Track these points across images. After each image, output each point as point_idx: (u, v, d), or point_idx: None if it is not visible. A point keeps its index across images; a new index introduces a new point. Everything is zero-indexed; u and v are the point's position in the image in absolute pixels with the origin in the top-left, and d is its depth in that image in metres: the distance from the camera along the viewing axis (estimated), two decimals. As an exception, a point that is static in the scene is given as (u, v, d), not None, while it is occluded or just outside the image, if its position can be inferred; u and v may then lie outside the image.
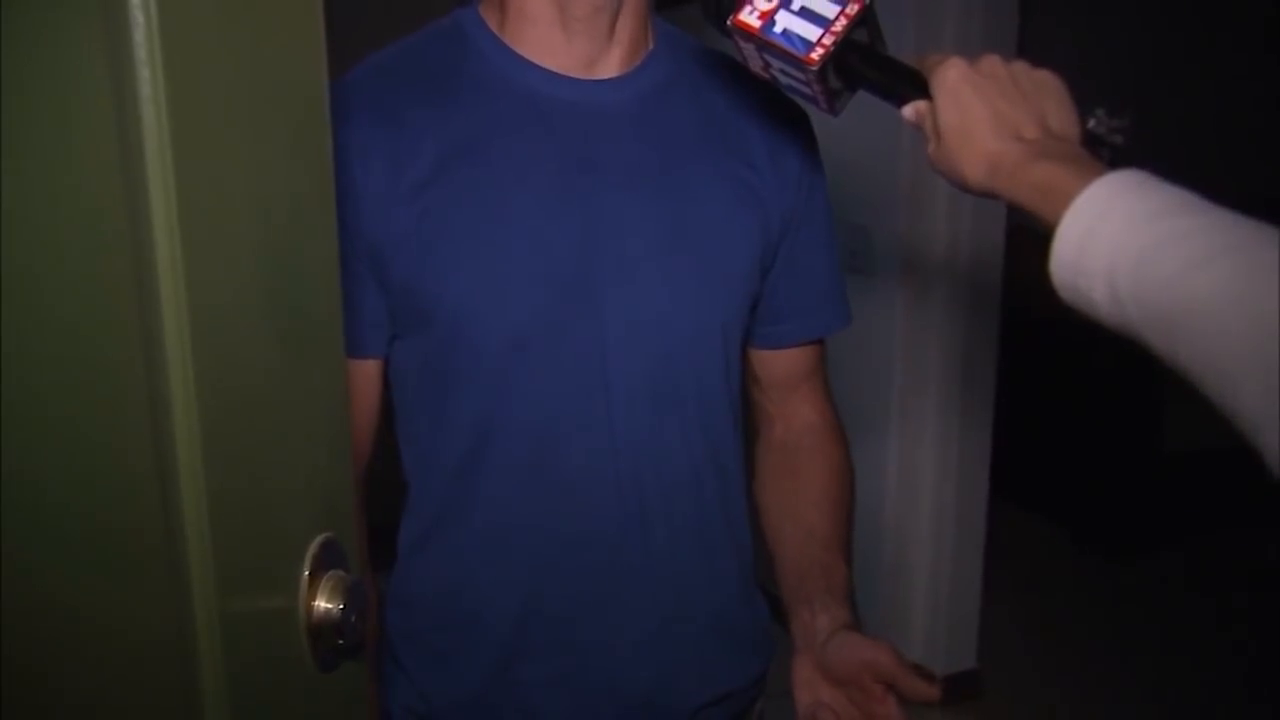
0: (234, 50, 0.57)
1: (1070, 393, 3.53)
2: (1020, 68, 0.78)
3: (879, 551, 2.72)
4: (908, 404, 2.66)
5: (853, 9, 0.81)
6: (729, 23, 0.84)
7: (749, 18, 0.83)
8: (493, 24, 0.97)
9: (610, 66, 0.97)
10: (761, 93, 1.01)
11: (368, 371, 0.98)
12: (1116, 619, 3.22)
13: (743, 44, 0.85)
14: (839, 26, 0.81)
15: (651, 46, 1.00)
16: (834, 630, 0.96)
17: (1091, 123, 0.78)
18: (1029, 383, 3.27)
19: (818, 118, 0.95)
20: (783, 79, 0.86)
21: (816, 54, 0.81)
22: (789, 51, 0.81)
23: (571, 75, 0.95)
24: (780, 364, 1.11)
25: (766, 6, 0.83)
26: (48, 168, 0.48)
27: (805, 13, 0.82)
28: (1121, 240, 0.65)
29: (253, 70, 0.59)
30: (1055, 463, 3.73)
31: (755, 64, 0.87)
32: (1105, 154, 0.76)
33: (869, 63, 0.83)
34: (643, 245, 0.96)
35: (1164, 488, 3.48)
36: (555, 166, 0.94)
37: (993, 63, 0.77)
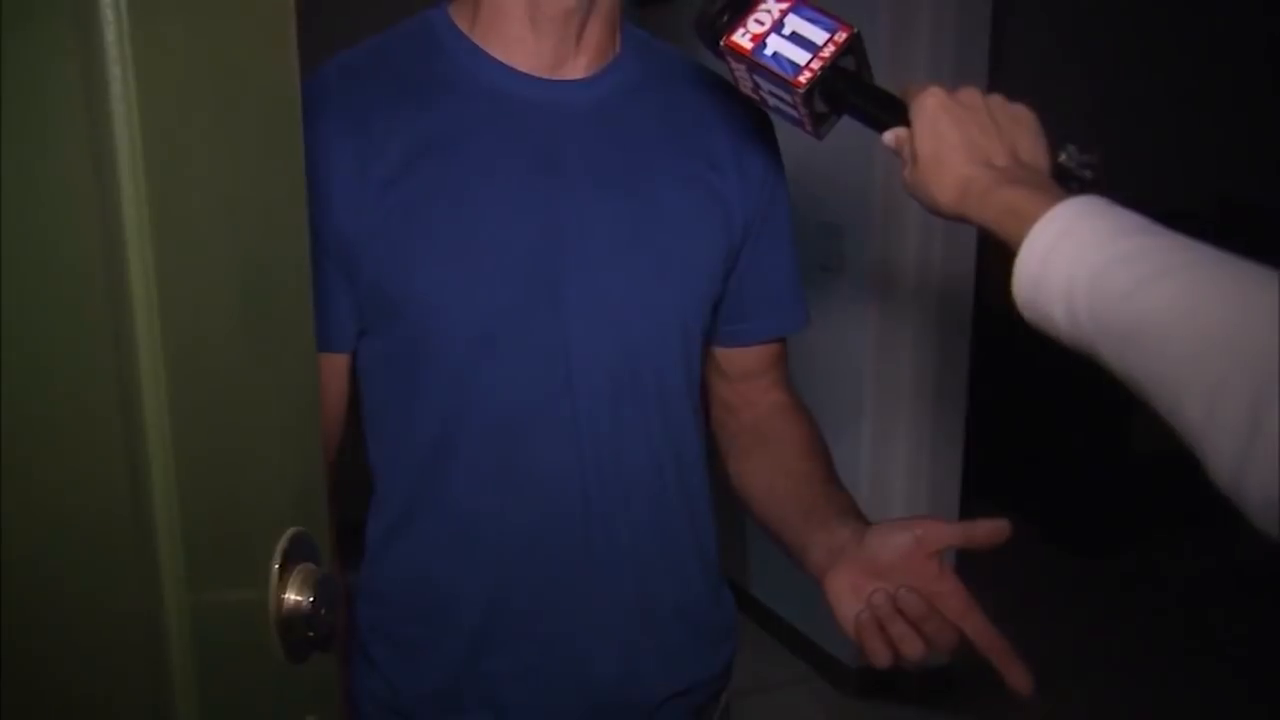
0: (205, 49, 0.57)
1: (1042, 392, 3.57)
2: (996, 100, 0.81)
3: (851, 549, 2.73)
4: (880, 402, 2.67)
5: (841, 37, 0.84)
6: (722, 44, 0.87)
7: (741, 40, 0.86)
8: (464, 22, 0.98)
9: (577, 68, 0.98)
10: (725, 96, 1.03)
11: (336, 366, 0.99)
12: (1086, 615, 3.26)
13: (734, 65, 0.88)
14: (827, 53, 0.84)
15: (619, 50, 1.02)
16: (861, 532, 0.93)
17: (1062, 156, 0.82)
18: (1001, 381, 3.30)
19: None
20: (771, 100, 0.88)
21: (804, 78, 0.84)
22: (778, 74, 0.84)
23: (538, 75, 0.97)
24: (744, 360, 1.13)
25: (759, 30, 0.86)
26: (18, 166, 0.48)
27: (796, 38, 0.85)
28: (1079, 259, 0.67)
29: (224, 68, 0.59)
30: (1026, 461, 3.76)
31: (745, 85, 0.89)
32: (1074, 186, 0.80)
33: (854, 89, 0.86)
34: (605, 244, 0.97)
35: (1132, 487, 3.52)
36: (521, 166, 0.95)
37: (971, 94, 0.81)
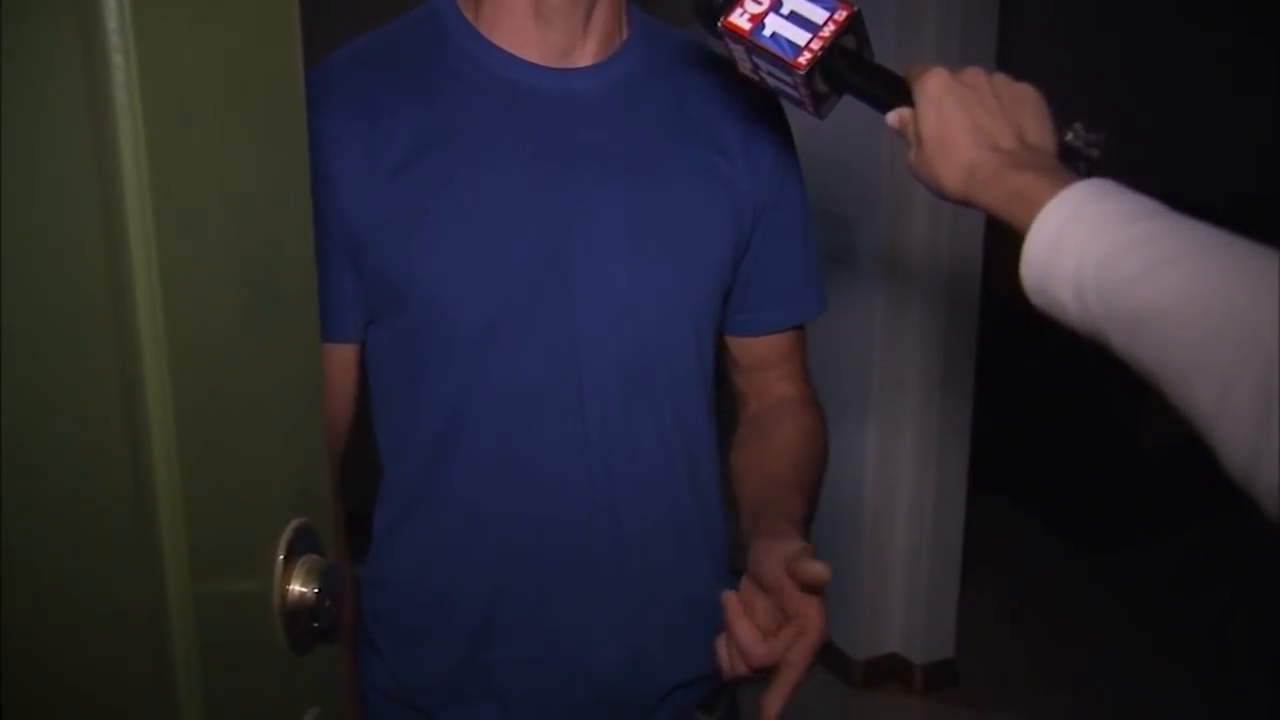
0: (208, 37, 0.57)
1: (1048, 382, 3.56)
2: (1001, 80, 0.80)
3: (858, 541, 2.73)
4: (887, 393, 2.67)
5: (841, 16, 0.83)
6: (719, 24, 0.85)
7: (739, 20, 0.84)
8: (469, 13, 0.97)
9: (585, 55, 0.98)
10: (733, 81, 1.02)
11: (344, 356, 0.99)
12: (1092, 608, 3.25)
13: (732, 45, 0.86)
14: (827, 32, 0.83)
15: (626, 36, 1.01)
16: (770, 547, 0.93)
17: (1069, 135, 0.80)
18: (1007, 372, 3.29)
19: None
20: (770, 81, 0.87)
21: (804, 58, 0.82)
22: (777, 55, 0.83)
23: (546, 64, 0.96)
24: (757, 349, 1.13)
25: (757, 10, 0.84)
26: (19, 155, 0.48)
27: (795, 18, 0.83)
28: (1088, 243, 0.67)
29: (227, 57, 0.59)
30: (1032, 453, 3.76)
31: (744, 66, 0.88)
32: (1081, 166, 0.79)
33: (855, 69, 0.84)
34: (613, 232, 0.96)
35: (1138, 480, 3.51)
36: (528, 154, 0.95)
37: (975, 74, 0.79)
